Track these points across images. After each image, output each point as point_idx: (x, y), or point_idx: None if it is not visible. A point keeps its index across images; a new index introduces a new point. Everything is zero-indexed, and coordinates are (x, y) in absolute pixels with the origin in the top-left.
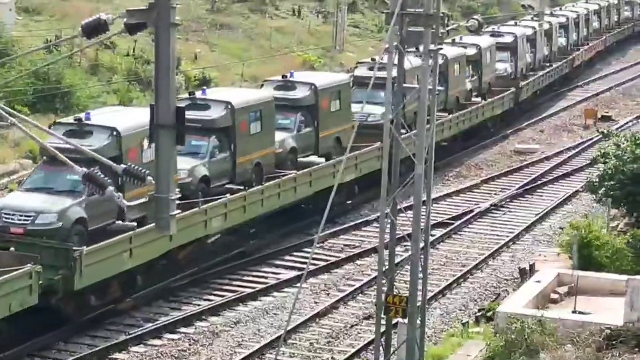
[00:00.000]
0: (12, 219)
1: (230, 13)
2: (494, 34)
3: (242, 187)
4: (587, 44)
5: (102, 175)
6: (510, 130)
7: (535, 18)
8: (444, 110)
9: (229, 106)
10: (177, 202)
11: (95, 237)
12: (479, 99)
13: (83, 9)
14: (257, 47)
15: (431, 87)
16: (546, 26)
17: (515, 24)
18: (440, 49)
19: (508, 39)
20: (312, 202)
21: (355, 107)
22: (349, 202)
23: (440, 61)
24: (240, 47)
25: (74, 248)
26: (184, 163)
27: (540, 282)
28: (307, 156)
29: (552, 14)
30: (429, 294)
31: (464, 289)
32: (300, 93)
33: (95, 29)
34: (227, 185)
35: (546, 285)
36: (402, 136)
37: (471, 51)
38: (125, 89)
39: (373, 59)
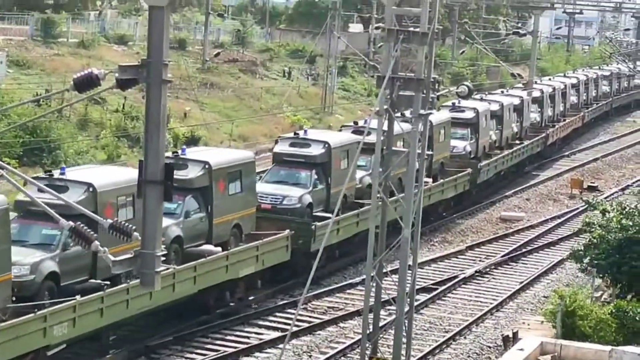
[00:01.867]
0: None
1: (221, 72)
2: (453, 108)
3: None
4: (564, 119)
5: (87, 230)
6: (496, 198)
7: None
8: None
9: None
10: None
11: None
12: (429, 179)
13: (73, 65)
14: (246, 107)
15: (420, 152)
16: (516, 101)
17: (502, 92)
18: (431, 113)
19: (468, 114)
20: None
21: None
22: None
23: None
24: (229, 106)
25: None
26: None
27: (523, 350)
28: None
29: (524, 88)
30: (413, 357)
31: (447, 354)
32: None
33: (87, 83)
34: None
35: (529, 353)
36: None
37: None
38: (114, 145)
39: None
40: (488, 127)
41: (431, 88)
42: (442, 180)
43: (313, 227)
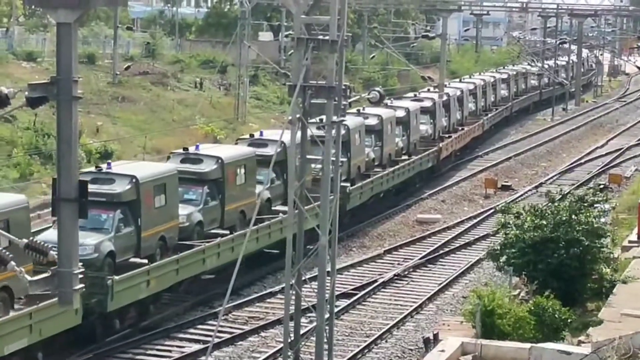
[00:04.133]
0: None
1: (132, 86)
2: (358, 115)
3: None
4: (462, 128)
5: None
6: (412, 200)
7: (432, 90)
8: (347, 180)
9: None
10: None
11: None
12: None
13: None
14: (159, 120)
15: (334, 159)
16: (401, 113)
17: (415, 96)
18: (343, 120)
19: (372, 121)
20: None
21: None
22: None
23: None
24: (142, 119)
25: None
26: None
27: (445, 352)
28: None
29: (415, 97)
30: None
31: (369, 359)
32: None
33: None
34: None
35: (450, 354)
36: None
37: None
38: (26, 163)
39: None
40: (394, 134)
41: (343, 95)
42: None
43: (110, 281)
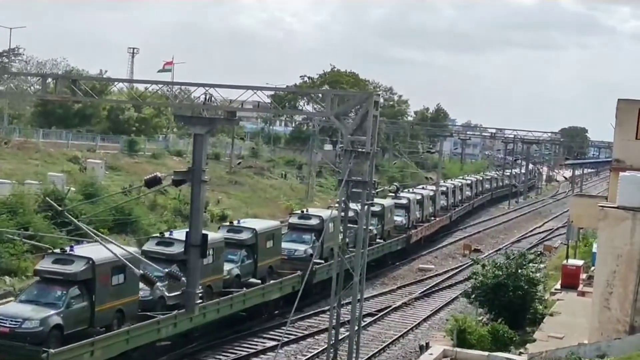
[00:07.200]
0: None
1: (241, 174)
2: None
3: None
4: (434, 219)
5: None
6: (417, 255)
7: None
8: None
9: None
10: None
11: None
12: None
13: (147, 169)
14: (257, 197)
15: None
16: (377, 208)
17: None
18: (373, 204)
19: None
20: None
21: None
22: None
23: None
24: (247, 196)
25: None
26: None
27: (432, 355)
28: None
29: (396, 194)
30: (361, 359)
31: (383, 357)
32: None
33: (153, 182)
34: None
35: (436, 356)
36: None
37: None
38: (172, 220)
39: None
40: (369, 223)
41: (372, 187)
42: (265, 284)
43: (45, 354)
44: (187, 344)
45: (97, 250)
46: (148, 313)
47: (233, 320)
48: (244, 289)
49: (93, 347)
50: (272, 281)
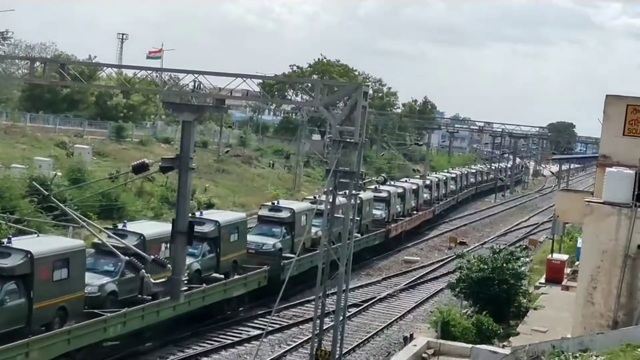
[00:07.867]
0: None
1: (229, 163)
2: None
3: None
4: (417, 213)
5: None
6: (402, 247)
7: (413, 179)
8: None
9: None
10: None
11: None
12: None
13: (134, 155)
14: (244, 186)
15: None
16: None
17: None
18: (358, 194)
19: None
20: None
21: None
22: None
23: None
24: (234, 185)
25: None
26: None
27: (416, 346)
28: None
29: (376, 188)
30: (345, 349)
31: (368, 347)
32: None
33: (140, 168)
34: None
35: (420, 348)
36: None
37: None
38: (159, 207)
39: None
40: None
41: (360, 177)
42: (232, 278)
43: None
44: (137, 344)
45: (37, 242)
46: (96, 311)
47: (190, 319)
48: (203, 285)
49: (28, 348)
50: (236, 276)
